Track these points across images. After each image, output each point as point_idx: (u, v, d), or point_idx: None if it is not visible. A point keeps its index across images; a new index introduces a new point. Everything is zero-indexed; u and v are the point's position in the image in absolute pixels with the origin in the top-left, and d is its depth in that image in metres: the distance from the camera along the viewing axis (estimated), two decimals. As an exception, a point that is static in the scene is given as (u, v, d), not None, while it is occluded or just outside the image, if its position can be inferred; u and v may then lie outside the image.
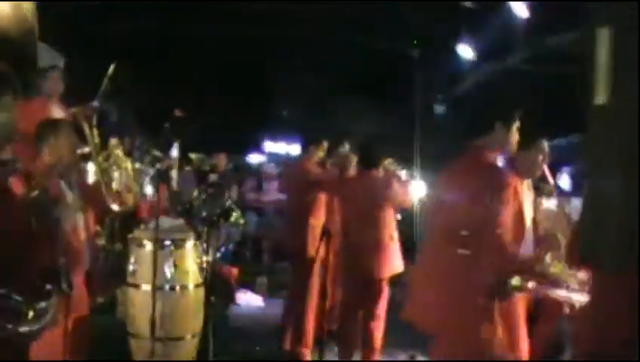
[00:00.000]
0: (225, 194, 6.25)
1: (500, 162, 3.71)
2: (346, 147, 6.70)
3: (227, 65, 13.37)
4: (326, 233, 4.99)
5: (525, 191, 3.74)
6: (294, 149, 13.36)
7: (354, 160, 6.58)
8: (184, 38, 12.09)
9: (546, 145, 3.96)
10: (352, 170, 6.51)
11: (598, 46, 2.18)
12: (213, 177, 10.07)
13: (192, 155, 10.09)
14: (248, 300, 8.23)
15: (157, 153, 7.28)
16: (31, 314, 2.44)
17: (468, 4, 9.14)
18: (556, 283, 3.50)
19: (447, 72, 11.19)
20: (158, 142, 7.44)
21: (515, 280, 3.34)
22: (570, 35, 8.60)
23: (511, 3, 8.31)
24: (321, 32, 11.08)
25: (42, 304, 2.53)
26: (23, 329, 2.42)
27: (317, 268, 5.95)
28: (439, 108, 11.54)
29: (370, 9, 10.23)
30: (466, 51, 9.85)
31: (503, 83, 10.02)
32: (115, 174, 5.33)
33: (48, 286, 2.63)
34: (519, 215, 3.50)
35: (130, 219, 6.66)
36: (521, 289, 3.38)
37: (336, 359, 5.91)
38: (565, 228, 3.80)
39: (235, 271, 8.16)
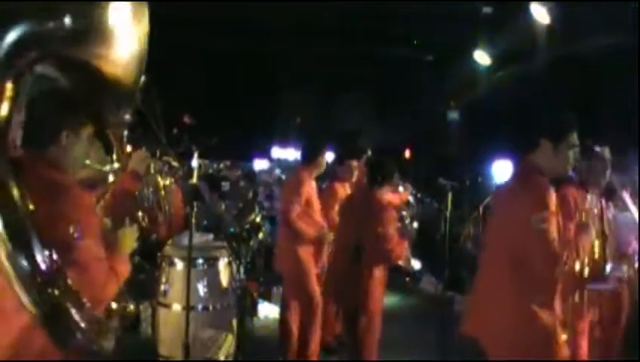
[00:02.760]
0: (255, 209, 6.08)
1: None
2: (352, 162, 6.61)
3: (234, 70, 13.24)
4: (358, 249, 4.85)
5: (594, 201, 3.64)
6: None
7: (355, 173, 6.49)
8: (191, 47, 11.96)
9: (606, 152, 3.84)
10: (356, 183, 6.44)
11: None
12: (225, 185, 9.91)
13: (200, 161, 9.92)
14: (266, 312, 8.09)
15: (175, 163, 7.11)
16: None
17: (486, 9, 9.04)
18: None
19: (461, 78, 11.07)
20: (177, 152, 7.27)
21: None
22: (591, 42, 8.53)
23: (532, 8, 8.20)
24: (335, 39, 10.95)
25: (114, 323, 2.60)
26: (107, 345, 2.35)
27: (311, 284, 5.89)
28: (452, 114, 11.46)
29: (384, 15, 10.14)
30: (482, 57, 9.75)
31: (520, 90, 9.92)
32: (145, 191, 5.13)
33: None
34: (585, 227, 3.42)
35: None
36: None
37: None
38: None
39: (254, 283, 8.00)
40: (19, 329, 2.28)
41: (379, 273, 5.26)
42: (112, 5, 2.47)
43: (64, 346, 2.24)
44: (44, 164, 2.44)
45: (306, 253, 5.92)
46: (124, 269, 2.61)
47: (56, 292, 2.16)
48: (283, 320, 6.25)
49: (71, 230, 2.32)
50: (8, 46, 2.07)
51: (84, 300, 2.24)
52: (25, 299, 2.11)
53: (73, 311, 2.20)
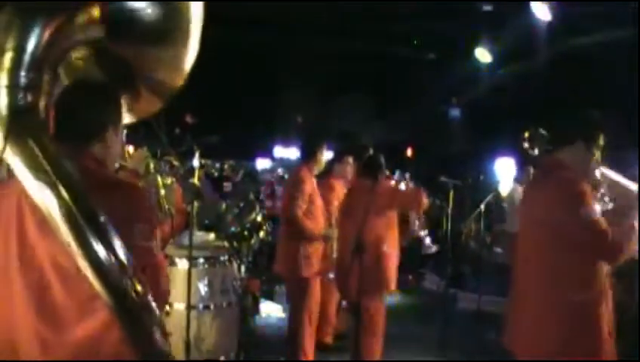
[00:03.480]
0: (256, 208, 6.07)
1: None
2: (349, 159, 6.65)
3: (236, 69, 13.21)
4: (359, 247, 4.85)
5: None
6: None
7: (351, 171, 6.52)
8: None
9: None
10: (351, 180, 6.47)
11: None
12: (227, 186, 9.91)
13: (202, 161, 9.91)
14: (269, 310, 8.09)
15: (176, 163, 7.11)
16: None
17: (487, 7, 9.02)
18: None
19: (462, 76, 11.05)
20: (179, 152, 7.25)
21: None
22: (591, 38, 8.52)
23: (532, 6, 8.17)
24: (336, 38, 10.95)
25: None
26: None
27: (314, 284, 5.89)
28: (454, 112, 11.45)
29: (385, 14, 10.14)
30: (483, 55, 9.73)
31: (522, 86, 9.92)
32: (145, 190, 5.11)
33: None
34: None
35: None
36: None
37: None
38: None
39: (256, 281, 8.00)
40: (93, 326, 2.12)
41: (380, 265, 5.33)
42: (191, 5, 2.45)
43: (142, 344, 2.12)
44: (90, 160, 2.28)
45: (307, 252, 5.89)
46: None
47: (137, 285, 2.04)
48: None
49: (136, 231, 2.17)
50: (45, 38, 2.02)
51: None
52: (101, 290, 2.00)
53: (154, 308, 2.11)
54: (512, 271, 3.64)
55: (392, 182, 6.83)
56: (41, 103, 2.08)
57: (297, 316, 5.88)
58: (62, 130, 2.23)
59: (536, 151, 5.94)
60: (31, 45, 2.03)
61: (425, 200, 5.60)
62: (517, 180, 7.95)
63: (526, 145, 6.86)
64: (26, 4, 2.07)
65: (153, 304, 2.12)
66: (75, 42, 2.24)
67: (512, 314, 3.60)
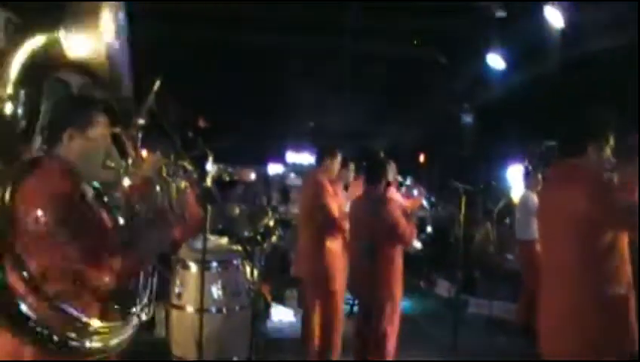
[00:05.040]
0: (268, 213, 6.09)
1: None
2: (349, 167, 6.71)
3: (248, 73, 13.25)
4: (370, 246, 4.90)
5: None
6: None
7: (350, 177, 6.69)
8: (205, 48, 11.97)
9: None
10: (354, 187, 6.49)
11: None
12: (240, 188, 9.96)
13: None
14: (280, 315, 8.12)
15: (189, 167, 7.15)
16: (101, 331, 2.47)
17: (499, 12, 9.02)
18: None
19: (474, 81, 11.04)
20: (192, 156, 7.28)
21: None
22: (603, 44, 8.50)
23: (545, 12, 8.17)
24: (349, 42, 10.96)
25: (117, 324, 2.57)
26: (90, 344, 2.43)
27: (336, 285, 5.87)
28: (466, 118, 11.44)
29: (396, 16, 10.17)
30: (495, 60, 9.72)
31: (534, 93, 9.90)
32: (158, 194, 5.14)
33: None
34: None
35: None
36: None
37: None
38: None
39: (267, 286, 8.04)
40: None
41: (392, 266, 5.35)
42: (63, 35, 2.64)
43: (19, 333, 2.33)
44: (54, 161, 2.53)
45: (331, 253, 5.89)
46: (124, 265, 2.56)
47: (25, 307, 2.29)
48: (305, 322, 6.22)
49: (39, 215, 2.36)
50: (25, 58, 2.30)
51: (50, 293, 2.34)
52: None
53: (22, 301, 2.30)
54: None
55: (403, 189, 6.87)
56: (18, 112, 2.37)
57: (329, 315, 5.86)
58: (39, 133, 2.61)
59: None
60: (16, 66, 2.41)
61: (411, 240, 5.54)
62: (527, 186, 7.92)
63: (527, 163, 6.89)
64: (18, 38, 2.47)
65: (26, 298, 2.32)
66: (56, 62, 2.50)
67: (543, 319, 3.57)
